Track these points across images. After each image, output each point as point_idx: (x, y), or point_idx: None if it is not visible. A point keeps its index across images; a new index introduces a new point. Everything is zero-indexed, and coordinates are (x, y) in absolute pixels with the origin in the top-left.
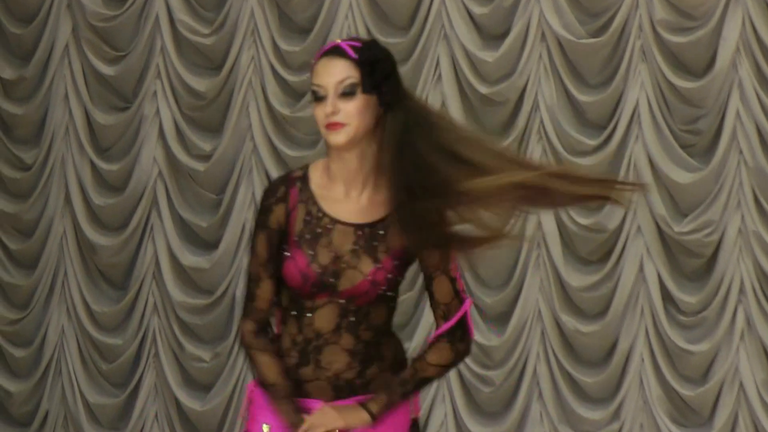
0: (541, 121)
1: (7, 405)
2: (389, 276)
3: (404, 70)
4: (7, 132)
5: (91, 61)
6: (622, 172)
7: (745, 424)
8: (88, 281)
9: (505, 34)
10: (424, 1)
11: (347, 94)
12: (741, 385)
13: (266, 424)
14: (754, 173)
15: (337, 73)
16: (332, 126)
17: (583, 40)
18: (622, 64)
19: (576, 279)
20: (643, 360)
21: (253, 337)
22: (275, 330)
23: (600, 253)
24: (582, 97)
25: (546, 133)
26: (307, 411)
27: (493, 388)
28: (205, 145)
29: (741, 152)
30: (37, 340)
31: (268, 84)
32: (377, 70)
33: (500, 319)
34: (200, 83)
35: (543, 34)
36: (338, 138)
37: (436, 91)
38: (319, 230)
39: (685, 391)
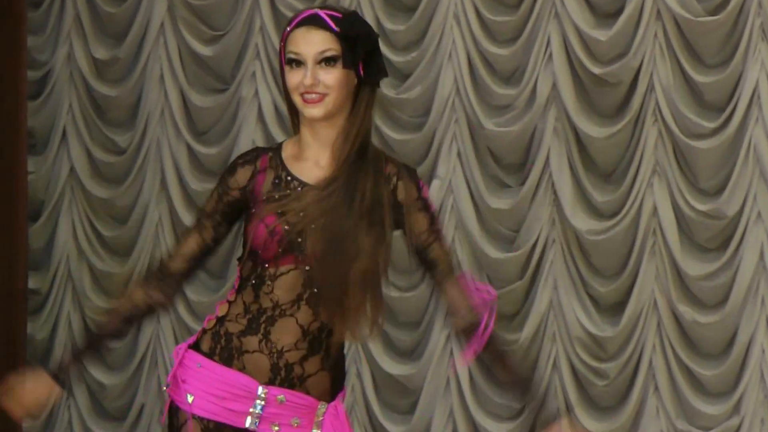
0: (657, 103)
1: (101, 398)
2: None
3: (514, 50)
4: (101, 115)
5: (187, 41)
6: (741, 155)
7: None
8: None
9: (618, 12)
10: None
11: (328, 64)
12: None
13: (190, 394)
14: None
15: (317, 42)
16: (310, 97)
17: (701, 18)
18: (741, 43)
19: (694, 267)
20: (764, 352)
21: (149, 274)
22: (228, 297)
23: (719, 240)
24: (699, 78)
25: (662, 115)
26: (237, 391)
27: (607, 382)
28: None
29: None
30: (132, 332)
31: None
32: (359, 44)
33: (614, 309)
34: None
35: (659, 12)
36: (316, 111)
37: (547, 72)
38: (288, 191)
39: None
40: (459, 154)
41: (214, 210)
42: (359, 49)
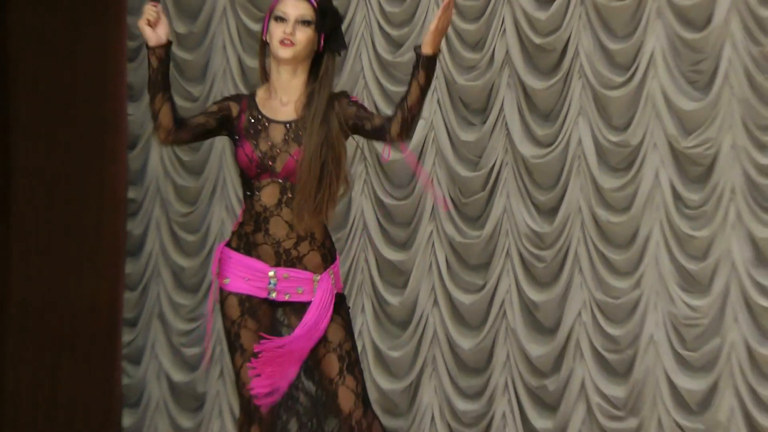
0: (581, 64)
1: (182, 278)
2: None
3: (478, 26)
4: (180, 73)
5: (243, 20)
6: (641, 101)
7: (735, 291)
8: None
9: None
10: None
11: (304, 24)
12: (732, 262)
13: (227, 278)
14: (741, 103)
15: (300, 8)
16: (285, 42)
17: (613, 3)
18: (642, 20)
19: (608, 182)
20: (658, 243)
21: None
22: (239, 216)
23: (626, 162)
24: (612, 46)
25: (584, 72)
26: (256, 273)
27: (545, 264)
28: None
29: (731, 87)
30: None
31: (375, 37)
32: (328, 20)
33: (550, 212)
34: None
35: (582, 0)
36: (286, 53)
37: (502, 42)
38: (259, 127)
39: (691, 266)
40: (438, 101)
41: (213, 112)
42: (328, 22)
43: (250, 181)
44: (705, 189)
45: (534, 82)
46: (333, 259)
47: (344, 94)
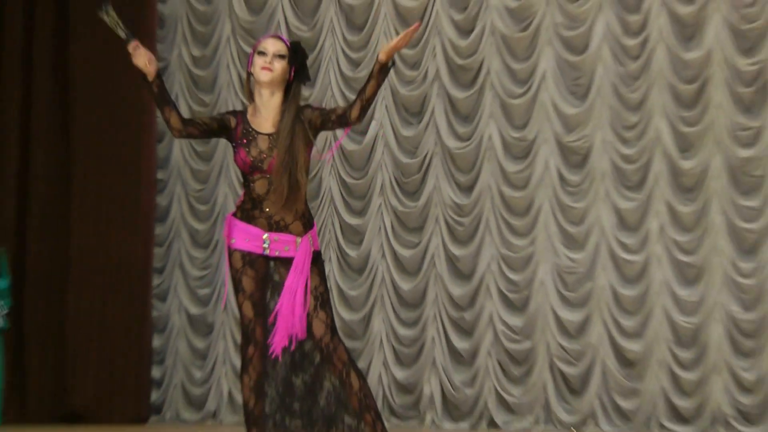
0: (491, 80)
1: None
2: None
3: (415, 51)
4: (195, 85)
5: (241, 45)
6: (536, 107)
7: (603, 247)
8: None
9: (471, 30)
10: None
11: (280, 58)
12: (602, 226)
13: (233, 238)
14: (609, 109)
15: (277, 45)
16: (265, 69)
17: (515, 35)
18: (537, 47)
19: (511, 168)
20: (547, 212)
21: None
22: (241, 196)
23: (524, 153)
24: (514, 66)
25: (494, 86)
26: (254, 236)
27: (464, 228)
28: None
29: (602, 97)
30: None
31: (339, 58)
32: (298, 56)
33: (469, 188)
34: None
35: (493, 31)
36: (266, 76)
37: (433, 63)
38: (250, 138)
39: (571, 229)
40: (386, 107)
41: (216, 118)
42: (298, 57)
43: (246, 175)
44: (582, 172)
45: (456, 93)
46: (311, 226)
47: (308, 106)
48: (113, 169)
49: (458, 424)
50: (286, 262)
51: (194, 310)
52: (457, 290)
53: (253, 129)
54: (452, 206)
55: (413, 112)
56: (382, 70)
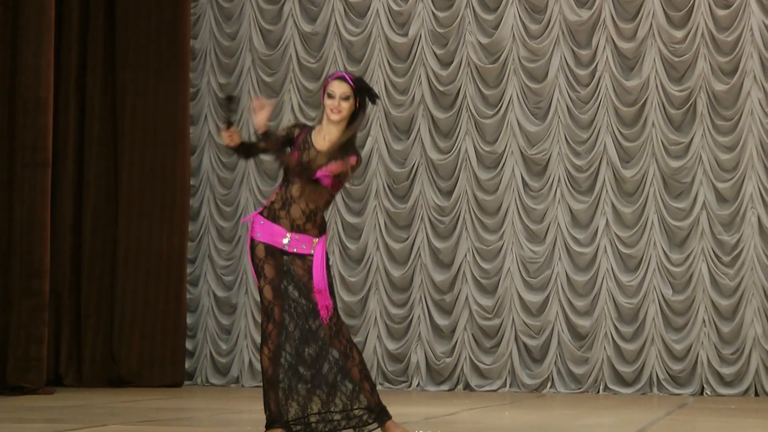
0: (467, 103)
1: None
2: (327, 177)
3: (404, 80)
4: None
5: (261, 75)
6: (504, 127)
7: (559, 241)
8: None
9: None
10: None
11: (345, 99)
12: (558, 224)
13: (259, 233)
14: (564, 127)
15: (342, 89)
16: (334, 111)
17: (487, 66)
18: (505, 76)
19: (483, 175)
20: (513, 213)
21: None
22: (276, 191)
23: (494, 164)
24: (486, 92)
25: (469, 108)
26: (277, 234)
27: (444, 225)
28: None
29: (559, 117)
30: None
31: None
32: (361, 92)
33: (447, 194)
34: None
35: (468, 63)
36: (335, 117)
37: (419, 89)
38: (307, 146)
39: (533, 226)
40: (380, 125)
41: (285, 130)
42: (362, 95)
43: (288, 176)
44: (542, 180)
45: (438, 114)
46: (325, 233)
47: (356, 153)
48: (154, 177)
49: (439, 387)
50: (300, 257)
51: (220, 293)
52: (439, 277)
53: (312, 143)
54: (435, 208)
55: (402, 129)
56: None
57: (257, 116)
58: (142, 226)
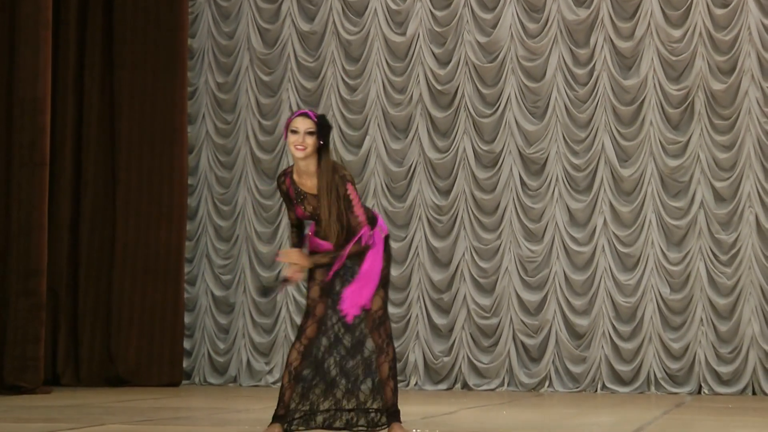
0: (465, 102)
1: None
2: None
3: (402, 79)
4: (219, 107)
5: (258, 74)
6: (502, 126)
7: (557, 240)
8: None
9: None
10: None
11: (309, 134)
12: (556, 223)
13: (314, 249)
14: (562, 126)
15: (306, 123)
16: (299, 147)
17: (485, 65)
18: (503, 75)
19: (481, 174)
20: (511, 211)
21: (290, 232)
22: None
23: (492, 163)
24: (484, 91)
25: (468, 108)
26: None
27: (442, 224)
28: None
29: (557, 116)
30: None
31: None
32: (323, 128)
33: (445, 193)
34: None
35: (466, 62)
36: (300, 154)
37: (417, 88)
38: (302, 197)
39: (531, 225)
40: (378, 125)
41: (288, 208)
42: (323, 130)
43: (303, 223)
44: (540, 178)
45: (436, 113)
46: (374, 224)
47: (342, 177)
48: (151, 176)
49: (437, 386)
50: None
51: (218, 292)
52: (437, 276)
53: (301, 190)
54: (433, 207)
55: (401, 129)
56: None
57: (294, 279)
58: (139, 225)
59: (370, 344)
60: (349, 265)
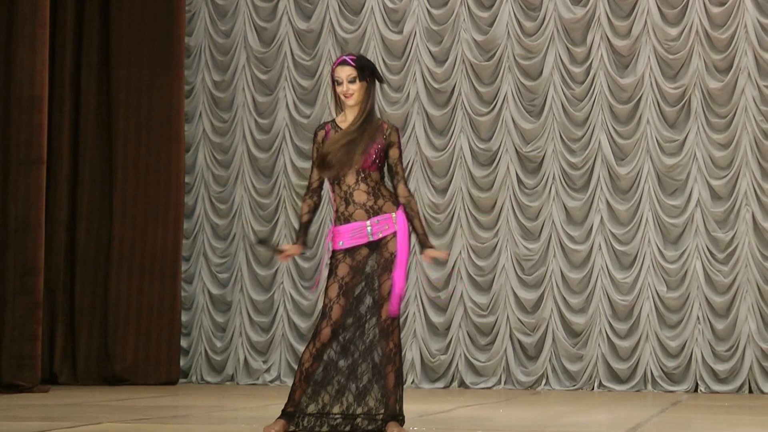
0: (462, 101)
1: None
2: (374, 156)
3: (399, 77)
4: (216, 105)
5: (255, 72)
6: (499, 124)
7: (554, 238)
8: None
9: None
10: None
11: (352, 81)
12: (553, 221)
13: (341, 241)
14: (559, 124)
15: (347, 71)
16: (348, 96)
17: (482, 63)
18: (500, 73)
19: (478, 173)
20: (508, 210)
21: (305, 194)
22: (332, 201)
23: (489, 161)
24: (481, 89)
25: (464, 106)
26: (359, 230)
27: (440, 223)
28: None
29: (553, 114)
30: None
31: None
32: (365, 69)
33: (442, 191)
34: None
35: (463, 60)
36: (349, 102)
37: (414, 86)
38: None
39: (528, 223)
40: None
41: (313, 160)
42: (366, 72)
43: (335, 180)
44: (536, 177)
45: (433, 112)
46: (398, 204)
47: (392, 127)
48: (148, 174)
49: (434, 385)
50: (385, 243)
51: (215, 291)
52: (434, 274)
53: (340, 129)
54: (430, 205)
55: (398, 127)
56: (420, 240)
57: (285, 257)
58: (136, 223)
59: (380, 350)
60: (369, 264)
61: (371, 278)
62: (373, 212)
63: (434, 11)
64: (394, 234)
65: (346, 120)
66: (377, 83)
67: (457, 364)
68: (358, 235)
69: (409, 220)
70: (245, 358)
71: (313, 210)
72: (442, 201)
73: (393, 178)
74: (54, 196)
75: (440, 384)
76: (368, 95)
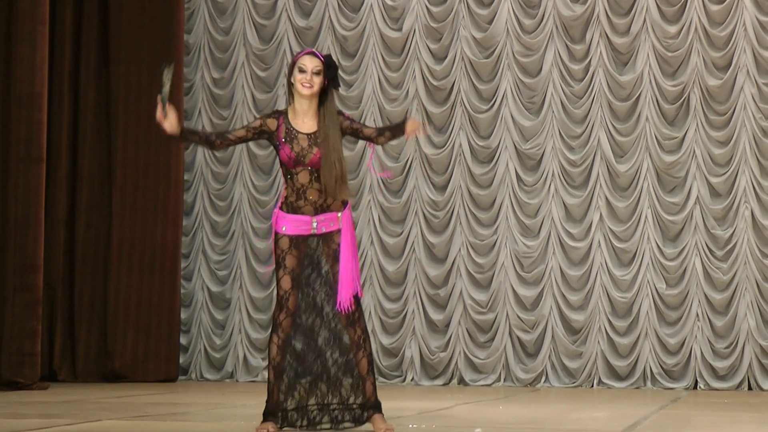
0: (461, 98)
1: None
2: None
3: (398, 74)
4: (216, 102)
5: (254, 69)
6: (498, 121)
7: (553, 235)
8: None
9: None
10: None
11: (316, 74)
12: (552, 218)
13: (284, 226)
14: (558, 121)
15: (314, 62)
16: (306, 85)
17: (481, 61)
18: (499, 71)
19: (477, 170)
20: (507, 207)
21: (218, 135)
22: (284, 187)
23: (488, 158)
24: (480, 86)
25: (463, 103)
26: (303, 222)
27: (438, 220)
28: None
29: (553, 112)
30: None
31: None
32: (330, 69)
33: (441, 188)
34: None
35: (462, 58)
36: (307, 92)
37: (414, 84)
38: (292, 136)
39: (527, 221)
40: (374, 120)
41: (254, 128)
42: (330, 72)
43: (289, 169)
44: (536, 174)
45: (432, 109)
46: (345, 204)
47: (339, 112)
48: (147, 171)
49: (434, 382)
50: (330, 237)
51: (214, 288)
52: (433, 271)
53: (294, 129)
54: (429, 202)
55: (342, 110)
56: (397, 136)
57: (166, 125)
58: (135, 220)
59: (346, 339)
60: (316, 254)
61: (319, 266)
62: (321, 210)
63: (433, 8)
64: (339, 231)
65: (300, 117)
66: (334, 91)
67: (456, 362)
68: (302, 227)
69: (379, 134)
70: (244, 355)
71: (212, 141)
72: (441, 198)
73: (359, 133)
74: (53, 193)
75: (440, 381)
76: (327, 97)
